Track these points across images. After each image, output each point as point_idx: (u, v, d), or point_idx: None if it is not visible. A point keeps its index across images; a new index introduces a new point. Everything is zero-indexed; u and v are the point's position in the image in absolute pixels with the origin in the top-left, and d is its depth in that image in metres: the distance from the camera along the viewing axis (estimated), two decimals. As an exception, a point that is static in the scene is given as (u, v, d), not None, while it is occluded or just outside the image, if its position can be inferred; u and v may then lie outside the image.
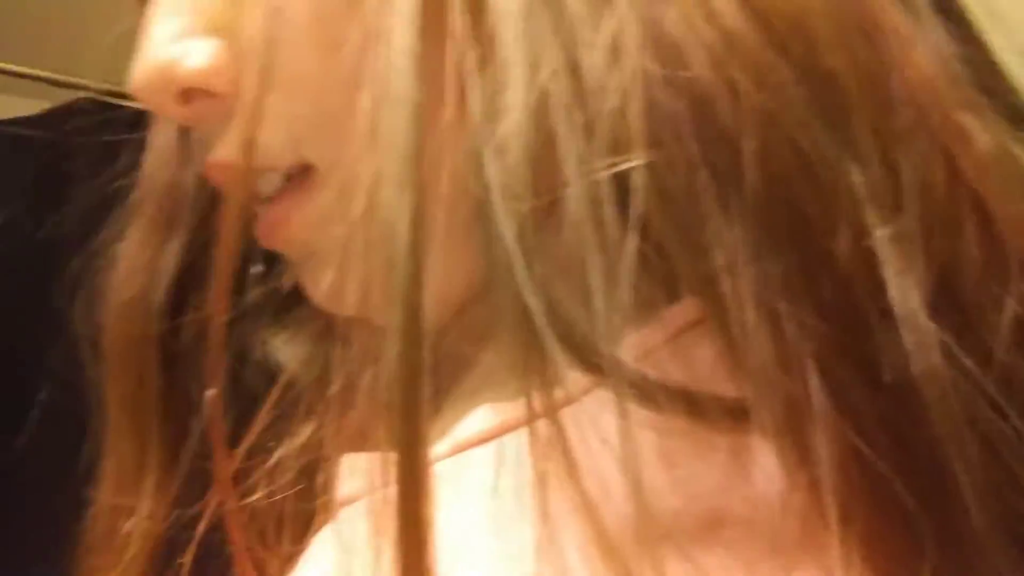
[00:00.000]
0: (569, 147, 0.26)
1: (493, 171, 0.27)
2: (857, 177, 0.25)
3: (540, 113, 0.26)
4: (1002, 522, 0.24)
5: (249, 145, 0.31)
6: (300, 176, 0.34)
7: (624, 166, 0.25)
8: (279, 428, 0.37)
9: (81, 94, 1.07)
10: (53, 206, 0.52)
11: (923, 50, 0.27)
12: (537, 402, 0.26)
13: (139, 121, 0.42)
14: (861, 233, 0.24)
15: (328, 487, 0.34)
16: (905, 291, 0.24)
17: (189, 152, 0.40)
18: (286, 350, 0.39)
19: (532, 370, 0.26)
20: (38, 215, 0.58)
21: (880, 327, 0.24)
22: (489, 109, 0.27)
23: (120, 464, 0.39)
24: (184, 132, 0.40)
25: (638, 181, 0.25)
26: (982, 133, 0.27)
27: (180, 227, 0.40)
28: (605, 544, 0.25)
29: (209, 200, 0.39)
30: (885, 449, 0.24)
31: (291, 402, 0.38)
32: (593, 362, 0.26)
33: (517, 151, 0.26)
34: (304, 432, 0.37)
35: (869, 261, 0.24)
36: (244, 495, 0.36)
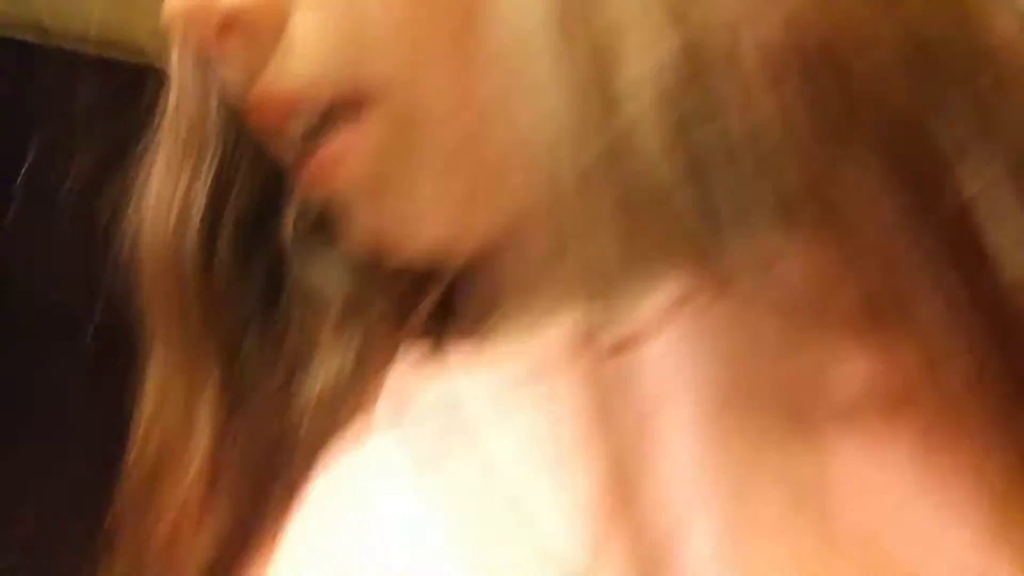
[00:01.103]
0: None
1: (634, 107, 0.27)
2: (954, 133, 0.26)
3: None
4: None
5: (310, 67, 0.30)
6: (351, 110, 0.33)
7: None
8: (313, 352, 0.38)
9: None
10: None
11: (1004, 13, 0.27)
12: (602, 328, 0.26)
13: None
14: (959, 186, 0.26)
15: (364, 412, 0.34)
16: (1004, 239, 0.26)
17: (212, 84, 0.39)
18: (319, 272, 0.38)
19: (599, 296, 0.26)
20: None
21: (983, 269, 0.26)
22: None
23: (171, 395, 0.38)
24: (204, 65, 0.39)
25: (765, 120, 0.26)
26: None
27: (207, 160, 0.39)
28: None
29: (235, 131, 0.38)
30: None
31: (325, 325, 0.38)
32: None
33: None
34: (341, 357, 0.37)
35: (970, 214, 0.26)
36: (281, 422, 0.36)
